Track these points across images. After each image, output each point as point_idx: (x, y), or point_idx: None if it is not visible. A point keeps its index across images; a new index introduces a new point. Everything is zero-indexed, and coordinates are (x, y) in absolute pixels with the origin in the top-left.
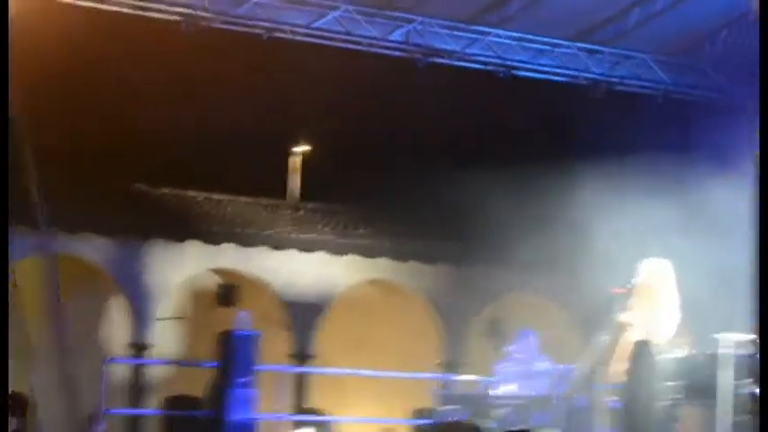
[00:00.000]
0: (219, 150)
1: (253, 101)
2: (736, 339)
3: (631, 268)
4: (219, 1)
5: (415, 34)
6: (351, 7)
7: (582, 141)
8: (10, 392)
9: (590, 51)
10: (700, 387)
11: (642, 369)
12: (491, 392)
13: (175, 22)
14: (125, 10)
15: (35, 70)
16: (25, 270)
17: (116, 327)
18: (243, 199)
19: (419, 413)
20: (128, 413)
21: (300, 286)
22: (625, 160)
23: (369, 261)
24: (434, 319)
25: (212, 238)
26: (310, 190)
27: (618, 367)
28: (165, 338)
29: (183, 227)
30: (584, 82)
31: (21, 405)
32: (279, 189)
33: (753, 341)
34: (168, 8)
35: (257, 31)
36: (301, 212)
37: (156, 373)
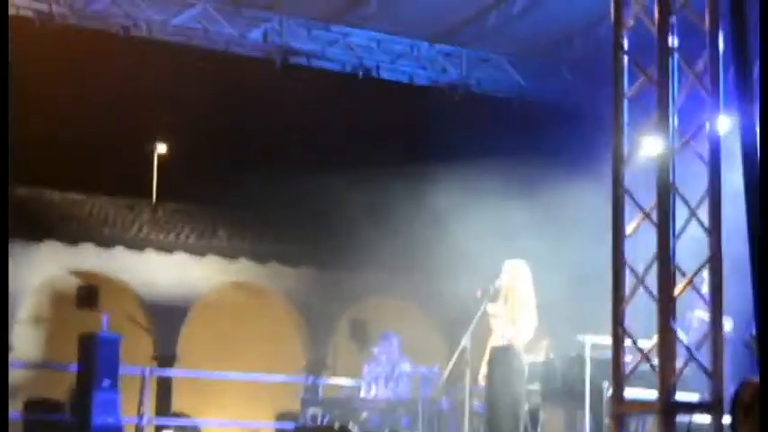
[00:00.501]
0: (77, 149)
1: (111, 99)
2: (595, 342)
3: (493, 270)
4: None
5: (273, 33)
6: (209, 5)
7: (440, 143)
8: None
9: (448, 53)
10: (560, 390)
11: (502, 373)
12: (355, 395)
13: (29, 18)
14: None
15: None
16: None
17: None
18: (101, 199)
19: (283, 416)
20: None
21: (161, 288)
22: (483, 162)
23: (229, 263)
24: (297, 322)
25: (70, 238)
26: (170, 190)
27: (481, 370)
28: (25, 341)
29: (40, 227)
30: (443, 84)
31: None
32: (138, 189)
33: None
34: (21, 3)
35: (114, 28)
36: (160, 213)
37: (15, 376)
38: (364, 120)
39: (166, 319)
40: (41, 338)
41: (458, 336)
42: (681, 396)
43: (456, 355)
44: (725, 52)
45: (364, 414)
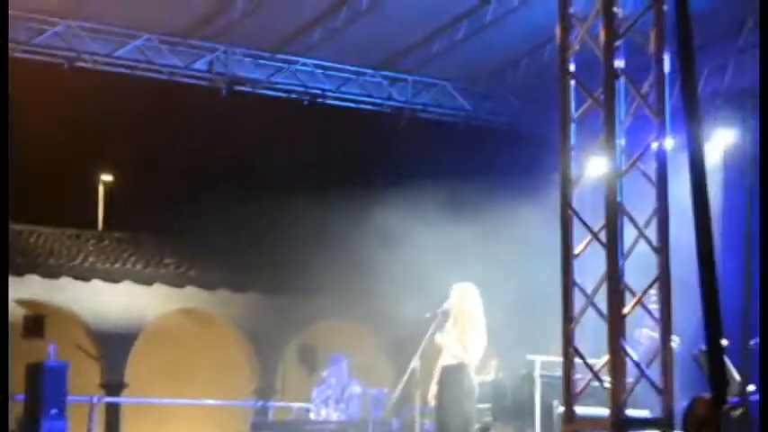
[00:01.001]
0: (21, 180)
1: (56, 129)
2: (545, 360)
3: (442, 293)
4: (18, 30)
5: (218, 63)
6: (153, 36)
7: (388, 168)
8: None
9: (393, 79)
10: (510, 408)
11: (452, 392)
12: (305, 418)
13: None
14: None
15: None
16: None
17: None
18: (45, 229)
19: None
20: None
21: (108, 316)
22: (431, 186)
23: (177, 290)
24: (246, 347)
25: (15, 269)
26: (115, 219)
27: (431, 390)
28: None
29: None
30: (388, 109)
31: None
32: (83, 218)
33: (560, 363)
34: None
35: (58, 60)
36: (106, 242)
37: None
38: (312, 146)
39: (114, 347)
40: None
41: (407, 357)
42: (631, 413)
43: (406, 376)
44: (670, 73)
45: None
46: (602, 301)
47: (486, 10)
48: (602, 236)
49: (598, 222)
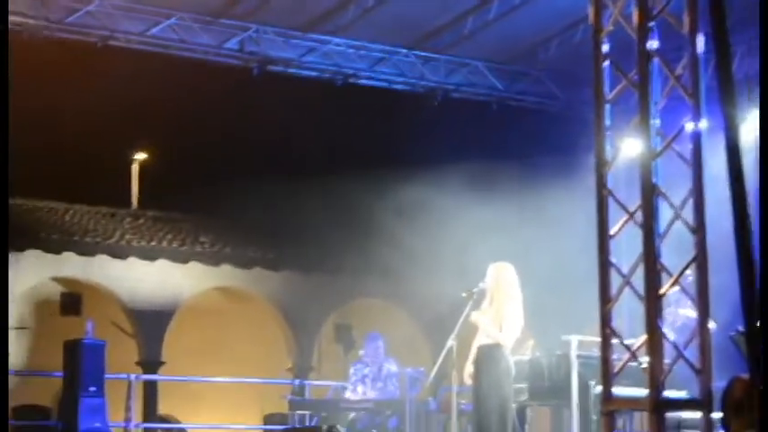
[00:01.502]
0: (58, 158)
1: (91, 109)
2: (582, 340)
3: (478, 272)
4: (51, 9)
5: (250, 42)
6: (186, 15)
7: (420, 148)
8: None
9: (426, 59)
10: (547, 388)
11: (489, 372)
12: (342, 396)
13: (16, 32)
14: None
15: None
16: None
17: None
18: (82, 207)
19: (270, 418)
20: None
21: (145, 294)
22: (463, 166)
23: (212, 268)
24: (282, 325)
25: (52, 246)
26: (149, 198)
27: (467, 370)
28: (11, 349)
29: (22, 236)
30: (421, 89)
31: None
32: (118, 197)
33: (597, 344)
34: None
35: (91, 39)
36: (141, 220)
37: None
38: (345, 125)
39: (151, 324)
40: (26, 346)
41: (443, 337)
42: (668, 393)
43: (442, 356)
44: (704, 53)
45: (352, 415)
46: (638, 281)
47: None
48: (638, 216)
49: (632, 203)
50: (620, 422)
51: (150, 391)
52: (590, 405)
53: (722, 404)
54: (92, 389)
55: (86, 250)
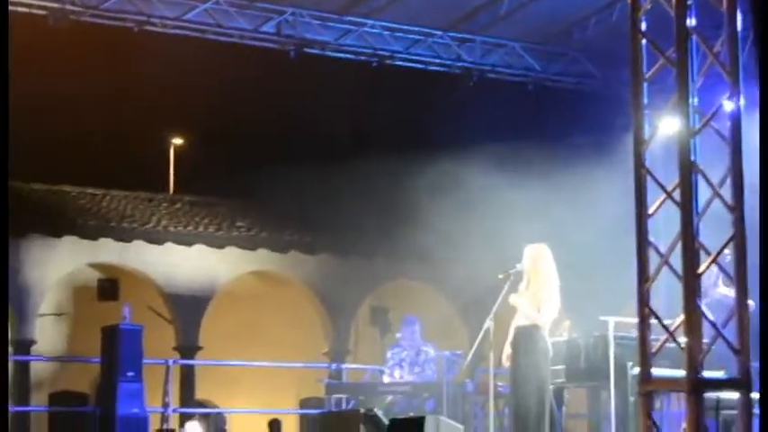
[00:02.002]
0: (94, 144)
1: (127, 94)
2: (619, 322)
3: (514, 253)
4: None
5: (286, 25)
6: None
7: (457, 129)
8: None
9: (462, 40)
10: (585, 369)
11: (527, 353)
12: (379, 380)
13: (42, 16)
14: None
15: None
16: None
17: None
18: (119, 192)
19: (307, 402)
20: (14, 411)
21: (182, 279)
22: (500, 147)
23: (249, 253)
24: (318, 309)
25: (89, 232)
26: (187, 183)
27: (505, 351)
28: (48, 335)
29: (58, 222)
30: (457, 71)
31: None
32: (155, 182)
33: (635, 324)
34: (34, 2)
35: (127, 24)
36: (178, 205)
37: (40, 369)
38: (381, 108)
39: (188, 309)
40: (64, 332)
41: (480, 319)
42: (707, 373)
43: (479, 338)
44: (742, 30)
45: (389, 398)
46: (675, 260)
47: None
48: (676, 195)
49: (670, 182)
50: (657, 403)
51: (188, 376)
52: (627, 386)
53: (762, 383)
54: (129, 374)
55: (123, 236)
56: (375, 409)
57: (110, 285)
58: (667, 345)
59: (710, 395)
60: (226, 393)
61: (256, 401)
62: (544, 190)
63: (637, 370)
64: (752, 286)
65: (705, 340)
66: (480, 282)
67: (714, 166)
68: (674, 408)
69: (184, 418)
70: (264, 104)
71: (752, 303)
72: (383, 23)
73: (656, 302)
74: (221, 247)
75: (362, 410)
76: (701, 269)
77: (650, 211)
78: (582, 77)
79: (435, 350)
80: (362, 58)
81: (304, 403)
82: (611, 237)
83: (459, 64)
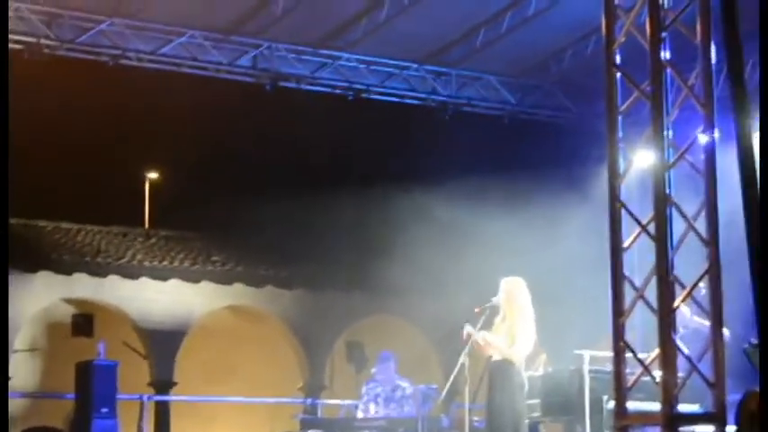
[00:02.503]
0: (68, 179)
1: (102, 128)
2: (596, 355)
3: (489, 287)
4: (63, 29)
5: (262, 59)
6: (197, 33)
7: (432, 163)
8: None
9: (437, 73)
10: (560, 403)
11: (502, 388)
12: (354, 415)
13: (18, 50)
14: None
15: None
16: None
17: None
18: (93, 227)
19: None
20: None
21: (157, 314)
22: (475, 180)
23: (224, 287)
24: (294, 344)
25: (64, 267)
26: (162, 217)
27: (482, 386)
28: (22, 371)
29: (33, 257)
30: (433, 104)
31: None
32: (131, 216)
33: (609, 358)
34: (11, 36)
35: (103, 58)
36: (153, 240)
37: (13, 405)
38: (357, 141)
39: (162, 344)
40: (38, 368)
41: (456, 353)
42: (683, 407)
43: (455, 372)
44: (716, 63)
45: None
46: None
47: (529, 2)
48: (650, 228)
49: (644, 215)
50: None
51: (162, 411)
52: (603, 420)
53: (736, 417)
54: (104, 410)
55: (98, 271)
56: None
57: (84, 321)
58: (642, 378)
59: (686, 429)
60: (201, 429)
61: None
62: (519, 223)
63: (612, 404)
64: (727, 317)
65: (680, 374)
66: (456, 316)
67: (688, 200)
68: None
69: None
70: (240, 138)
71: (726, 332)
72: (358, 56)
73: (630, 335)
74: (196, 281)
75: None
76: (675, 303)
77: (625, 244)
78: (557, 110)
79: (411, 385)
80: (338, 91)
81: None
82: (586, 269)
83: (434, 97)
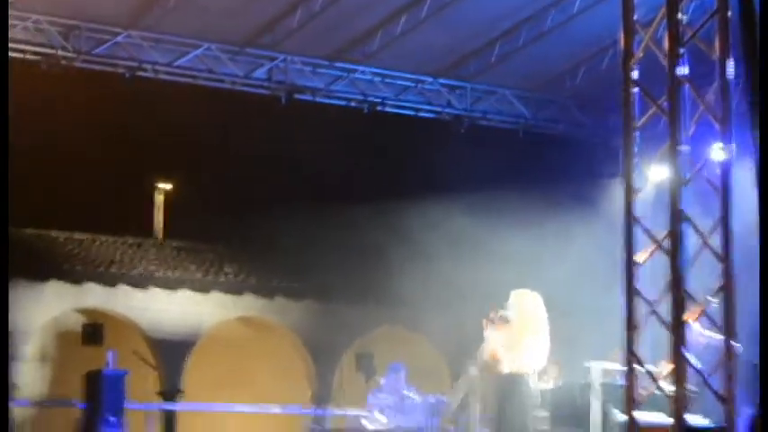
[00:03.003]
0: (82, 189)
1: (117, 138)
2: (605, 368)
3: (500, 299)
4: (80, 40)
5: (278, 72)
6: (213, 45)
7: (446, 176)
8: None
9: (452, 87)
10: (570, 416)
11: (512, 400)
12: (363, 426)
13: (35, 61)
14: None
15: None
16: None
17: None
18: (106, 238)
19: None
20: None
21: (167, 324)
22: (489, 194)
23: (235, 298)
24: (303, 354)
25: (75, 277)
26: (174, 228)
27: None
28: (31, 379)
29: (45, 267)
30: (447, 117)
31: None
32: (143, 227)
33: (620, 371)
34: (27, 47)
35: (119, 70)
36: (166, 251)
37: (22, 413)
38: (371, 154)
39: (172, 354)
40: (48, 376)
41: (464, 366)
42: (692, 419)
43: (463, 384)
44: (734, 79)
45: None
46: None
47: (545, 17)
48: (666, 244)
49: (657, 229)
50: None
51: (170, 420)
52: None
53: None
54: (111, 419)
55: (109, 280)
56: None
57: (94, 330)
58: (653, 391)
59: None
60: None
61: None
62: (533, 237)
63: (622, 417)
64: (738, 331)
65: (692, 387)
66: (466, 328)
67: (700, 216)
68: None
69: None
70: (255, 150)
71: (738, 347)
72: (374, 70)
73: (642, 348)
74: (207, 291)
75: None
76: (686, 317)
77: (639, 259)
78: (571, 125)
79: (420, 395)
80: (353, 104)
81: None
82: (597, 283)
83: (449, 110)
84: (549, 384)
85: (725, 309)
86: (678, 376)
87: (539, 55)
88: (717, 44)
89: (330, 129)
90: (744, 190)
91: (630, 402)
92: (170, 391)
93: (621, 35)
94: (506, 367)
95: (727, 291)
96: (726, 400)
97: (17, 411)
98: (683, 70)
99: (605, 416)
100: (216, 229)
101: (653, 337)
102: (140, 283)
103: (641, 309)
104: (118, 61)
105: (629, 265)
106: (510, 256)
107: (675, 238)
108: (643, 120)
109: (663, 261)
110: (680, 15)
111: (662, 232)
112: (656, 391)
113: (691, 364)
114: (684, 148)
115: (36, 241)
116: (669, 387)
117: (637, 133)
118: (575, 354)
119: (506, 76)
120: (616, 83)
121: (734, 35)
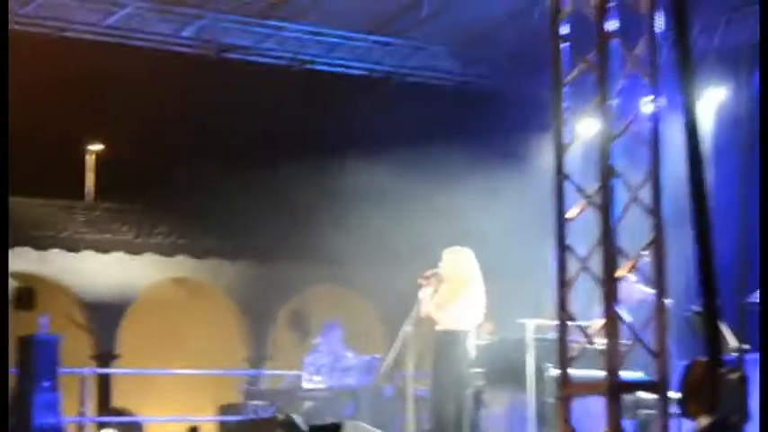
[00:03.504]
0: (11, 152)
1: (44, 100)
2: (539, 324)
3: (435, 257)
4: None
5: (207, 30)
6: (141, 4)
7: (377, 133)
8: None
9: (383, 44)
10: (504, 372)
11: (447, 357)
12: (298, 386)
13: None
14: None
15: None
16: None
17: None
18: (35, 201)
19: (226, 409)
20: None
21: (100, 287)
22: (421, 151)
23: (168, 260)
24: (238, 315)
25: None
26: (106, 190)
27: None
28: None
29: None
30: (378, 74)
31: None
32: (74, 189)
33: (555, 326)
34: None
35: (46, 30)
36: (97, 213)
37: None
38: (303, 112)
39: (105, 317)
40: None
41: (399, 323)
42: (625, 375)
43: (398, 342)
44: (662, 32)
45: (307, 404)
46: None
47: None
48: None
49: (587, 186)
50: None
51: (105, 384)
52: (546, 388)
53: (680, 386)
54: (45, 384)
55: (40, 244)
56: (293, 416)
57: (26, 294)
58: (586, 347)
59: (629, 396)
60: (143, 401)
61: (174, 409)
62: (463, 193)
63: (555, 372)
64: (669, 286)
65: (625, 341)
66: (400, 285)
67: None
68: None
69: (101, 427)
70: (185, 110)
71: (670, 301)
72: (303, 27)
73: (574, 305)
74: (139, 253)
75: (280, 417)
76: (618, 273)
77: (569, 215)
78: (502, 81)
79: (355, 355)
80: (283, 62)
81: (223, 410)
82: (527, 240)
83: (379, 67)
84: (483, 341)
85: (655, 262)
86: (610, 331)
87: (468, 11)
88: None
89: (260, 87)
90: (672, 142)
91: (563, 359)
92: (104, 355)
93: None
94: (441, 324)
95: (657, 244)
96: (658, 354)
97: None
98: (612, 25)
99: (539, 371)
100: (148, 190)
101: (585, 292)
102: (72, 246)
103: (573, 265)
104: (46, 21)
105: (561, 222)
106: (441, 213)
107: (606, 193)
108: (572, 75)
109: (593, 217)
110: None
111: (592, 187)
112: (588, 346)
113: (622, 319)
114: (614, 102)
115: None
116: (602, 342)
117: (566, 88)
118: (509, 311)
119: (437, 32)
120: (546, 38)
121: None
